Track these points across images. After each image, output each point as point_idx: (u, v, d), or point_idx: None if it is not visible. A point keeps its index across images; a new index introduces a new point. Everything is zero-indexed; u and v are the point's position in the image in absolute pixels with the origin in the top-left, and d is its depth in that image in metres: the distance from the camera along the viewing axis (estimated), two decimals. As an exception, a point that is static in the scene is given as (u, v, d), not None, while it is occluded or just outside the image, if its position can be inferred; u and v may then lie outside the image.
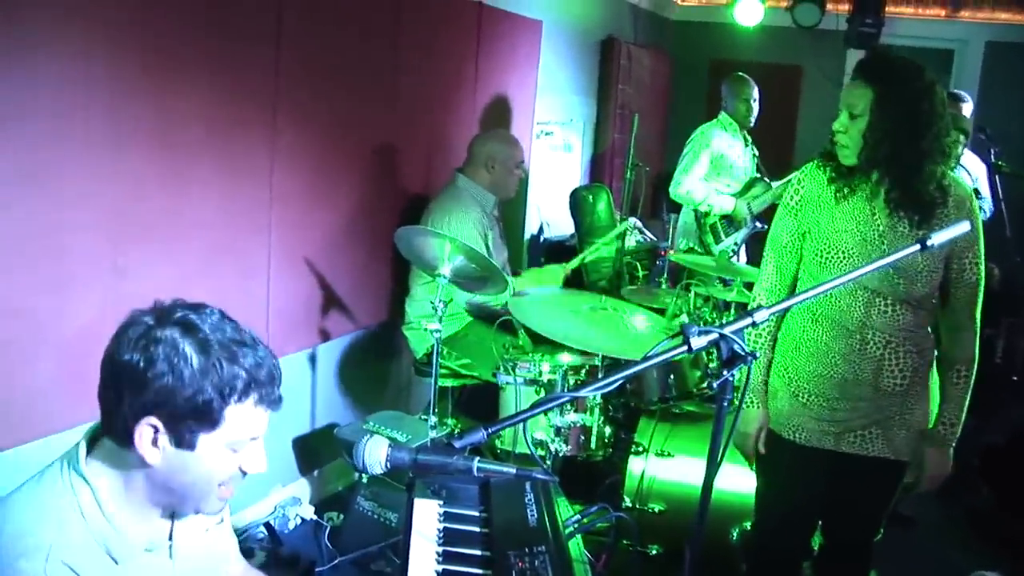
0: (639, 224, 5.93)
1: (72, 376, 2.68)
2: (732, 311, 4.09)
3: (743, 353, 1.56)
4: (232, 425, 1.46)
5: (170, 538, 1.63)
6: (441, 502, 2.13)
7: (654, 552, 3.37)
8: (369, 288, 4.19)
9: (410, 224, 3.67)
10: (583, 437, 3.36)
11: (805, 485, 2.62)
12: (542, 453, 3.30)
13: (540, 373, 3.37)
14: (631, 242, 5.56)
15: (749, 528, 3.15)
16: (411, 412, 4.17)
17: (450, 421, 3.68)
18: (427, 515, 2.08)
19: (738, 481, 3.20)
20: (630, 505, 3.36)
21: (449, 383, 3.99)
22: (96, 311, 2.74)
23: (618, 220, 5.49)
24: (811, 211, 2.51)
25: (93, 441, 1.54)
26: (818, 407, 2.52)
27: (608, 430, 3.45)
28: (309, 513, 3.83)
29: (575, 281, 5.60)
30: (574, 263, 4.15)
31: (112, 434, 1.47)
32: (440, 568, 1.87)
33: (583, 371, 3.42)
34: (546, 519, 2.02)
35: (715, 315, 4.24)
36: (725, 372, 1.57)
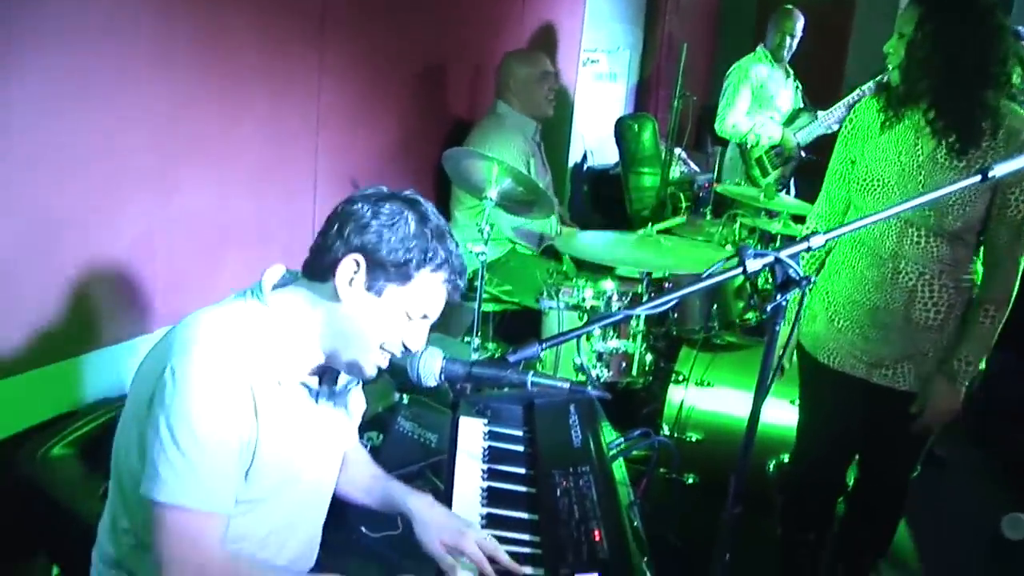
0: (683, 155, 5.88)
1: (121, 291, 2.72)
2: (778, 243, 4.04)
3: (798, 277, 1.54)
4: (418, 288, 1.63)
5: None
6: (486, 421, 2.16)
7: (691, 481, 3.40)
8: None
9: (452, 149, 3.65)
10: (624, 364, 3.37)
11: (841, 413, 2.62)
12: (582, 379, 3.31)
13: (583, 299, 3.36)
14: (675, 173, 5.51)
15: (786, 461, 3.16)
16: (451, 336, 4.19)
17: (491, 345, 3.70)
18: (472, 433, 2.11)
19: (776, 413, 3.20)
20: (668, 434, 3.38)
21: (490, 308, 4.00)
22: (144, 227, 2.77)
23: (663, 150, 5.43)
24: (860, 139, 2.48)
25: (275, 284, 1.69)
26: (852, 333, 2.51)
27: (649, 358, 3.45)
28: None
29: (619, 212, 5.60)
30: None
31: (313, 269, 1.66)
32: (486, 484, 1.91)
33: (627, 297, 3.41)
34: (590, 441, 2.04)
35: (760, 247, 4.20)
36: (779, 296, 1.56)
